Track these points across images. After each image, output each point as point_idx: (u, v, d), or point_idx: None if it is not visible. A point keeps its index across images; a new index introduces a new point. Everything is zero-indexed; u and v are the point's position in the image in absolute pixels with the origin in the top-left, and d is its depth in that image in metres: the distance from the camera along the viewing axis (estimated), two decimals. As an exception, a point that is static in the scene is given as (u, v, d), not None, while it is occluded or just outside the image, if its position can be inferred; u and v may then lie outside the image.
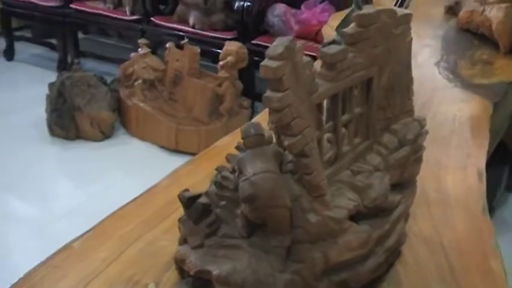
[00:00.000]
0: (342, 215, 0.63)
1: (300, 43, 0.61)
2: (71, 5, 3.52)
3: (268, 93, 0.57)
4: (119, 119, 3.04)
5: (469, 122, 1.19)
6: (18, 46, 3.98)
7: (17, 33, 4.01)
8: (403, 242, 0.76)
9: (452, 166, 1.02)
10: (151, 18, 3.32)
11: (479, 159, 1.04)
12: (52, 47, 3.82)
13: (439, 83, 1.41)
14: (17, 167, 2.65)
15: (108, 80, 3.12)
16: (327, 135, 0.70)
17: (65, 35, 3.61)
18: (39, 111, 2.93)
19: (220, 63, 2.73)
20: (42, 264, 0.76)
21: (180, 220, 0.69)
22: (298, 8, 3.00)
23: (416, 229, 0.84)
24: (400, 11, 0.73)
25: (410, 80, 0.77)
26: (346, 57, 0.66)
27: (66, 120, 2.82)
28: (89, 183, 2.56)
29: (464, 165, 1.02)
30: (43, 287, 0.72)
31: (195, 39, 3.03)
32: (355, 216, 0.68)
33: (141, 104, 2.87)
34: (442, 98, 1.31)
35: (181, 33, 3.13)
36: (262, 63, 0.56)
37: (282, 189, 0.59)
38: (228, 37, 2.96)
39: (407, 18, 0.74)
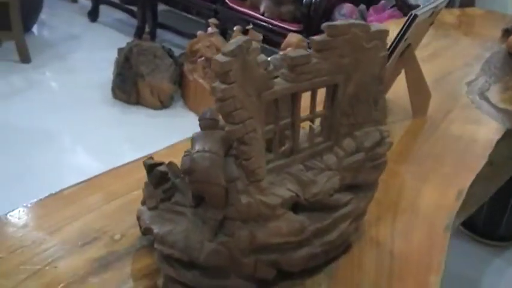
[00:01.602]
0: (275, 202, 0.70)
1: (257, 44, 0.68)
2: (155, -24, 3.70)
3: (215, 83, 0.65)
4: (180, 92, 3.18)
5: (472, 144, 1.21)
6: (103, 9, 4.22)
7: (104, -3, 4.24)
8: (347, 240, 0.82)
9: (436, 182, 1.05)
10: (226, 0, 3.43)
11: (466, 180, 1.07)
12: (133, 14, 4.03)
13: (462, 102, 1.42)
14: (79, 123, 2.85)
15: (178, 53, 3.28)
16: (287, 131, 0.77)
17: (144, 4, 3.79)
18: (108, 74, 3.12)
19: (280, 52, 2.79)
20: (35, 203, 0.88)
21: (144, 184, 0.79)
22: (367, 10, 3.02)
23: (373, 233, 0.89)
24: (375, 27, 0.78)
25: (379, 93, 0.82)
26: (308, 61, 0.73)
27: (128, 85, 3.00)
28: (142, 147, 2.72)
29: (448, 183, 1.05)
30: (30, 219, 0.84)
31: (262, 26, 3.12)
32: (297, 208, 0.75)
33: (201, 80, 2.99)
34: (457, 116, 1.33)
35: (251, 18, 3.23)
36: (214, 57, 0.64)
37: (217, 169, 0.66)
38: (293, 29, 3.03)
39: (381, 34, 0.79)
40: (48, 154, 2.58)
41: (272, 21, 3.17)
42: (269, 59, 0.71)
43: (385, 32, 0.79)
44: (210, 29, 3.09)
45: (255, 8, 3.29)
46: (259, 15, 3.23)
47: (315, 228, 0.75)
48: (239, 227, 0.69)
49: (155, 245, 0.71)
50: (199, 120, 0.71)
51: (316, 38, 0.75)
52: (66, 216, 0.85)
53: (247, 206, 0.68)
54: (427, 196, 1.02)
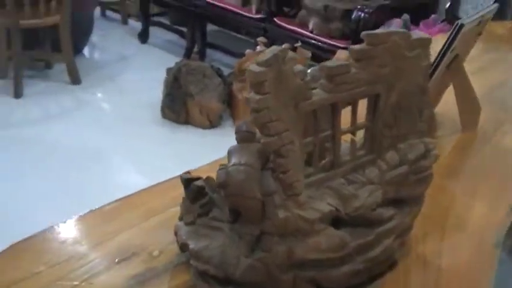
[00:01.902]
0: (314, 216, 0.68)
1: (294, 54, 0.67)
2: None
3: (250, 94, 0.63)
4: (228, 111, 3.20)
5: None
6: (153, 30, 4.31)
7: (154, 19, 4.34)
8: (392, 257, 0.78)
9: (486, 197, 1.00)
10: (274, 19, 3.45)
11: (520, 196, 1.01)
12: (182, 35, 4.10)
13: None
14: (129, 143, 2.90)
15: (227, 72, 3.30)
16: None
17: (194, 25, 3.86)
18: (157, 94, 3.17)
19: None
20: (75, 219, 0.88)
21: (182, 199, 0.78)
22: (417, 25, 2.96)
23: (420, 249, 0.85)
24: (416, 35, 0.75)
25: (424, 103, 0.78)
26: (347, 71, 0.71)
27: (177, 105, 3.03)
28: (190, 165, 2.74)
29: (499, 198, 1.00)
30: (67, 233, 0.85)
31: (310, 44, 3.11)
32: (338, 223, 0.72)
33: (249, 99, 2.99)
34: (508, 130, 1.28)
35: (299, 36, 3.23)
36: (249, 67, 0.63)
37: (252, 182, 0.65)
38: (342, 45, 3.00)
39: (423, 42, 0.76)
40: (98, 172, 2.64)
41: (321, 38, 3.16)
42: (308, 70, 0.69)
43: (427, 40, 0.76)
44: (258, 48, 3.10)
45: (304, 26, 3.29)
46: (307, 33, 3.23)
47: (356, 244, 0.72)
48: (276, 242, 0.67)
49: (191, 261, 0.70)
50: (235, 133, 0.70)
51: (355, 47, 0.72)
52: (105, 232, 0.85)
53: (284, 221, 0.66)
54: (476, 211, 0.97)
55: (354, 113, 0.76)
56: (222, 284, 0.69)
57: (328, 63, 0.71)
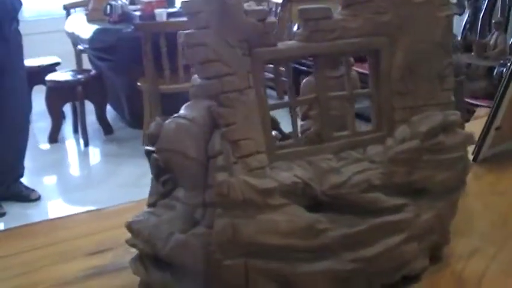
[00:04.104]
0: (268, 186, 0.53)
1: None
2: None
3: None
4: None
5: None
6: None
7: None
8: (405, 266, 0.59)
9: None
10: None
11: None
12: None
13: None
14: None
15: None
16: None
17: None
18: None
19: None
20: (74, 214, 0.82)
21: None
22: None
23: (460, 267, 0.64)
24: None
25: (445, 67, 0.61)
26: (327, 16, 0.57)
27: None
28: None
29: None
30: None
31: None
32: (320, 208, 0.56)
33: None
34: None
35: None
36: (185, -1, 0.53)
37: (186, 136, 0.53)
38: (485, 104, 2.72)
39: (438, -15, 0.60)
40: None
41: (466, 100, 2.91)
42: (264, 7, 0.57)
43: (444, -17, 0.60)
44: None
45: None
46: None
47: (340, 234, 0.55)
48: (220, 215, 0.53)
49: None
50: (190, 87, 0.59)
51: (343, -11, 0.59)
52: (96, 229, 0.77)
53: (224, 186, 0.52)
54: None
55: (348, 73, 0.61)
56: (160, 268, 0.56)
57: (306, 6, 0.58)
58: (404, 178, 0.59)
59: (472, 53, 2.98)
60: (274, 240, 0.53)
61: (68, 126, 4.36)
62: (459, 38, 3.16)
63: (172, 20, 3.62)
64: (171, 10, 4.00)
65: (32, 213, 2.57)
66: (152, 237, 0.55)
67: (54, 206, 2.58)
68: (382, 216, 0.57)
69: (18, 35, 2.53)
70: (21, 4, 2.56)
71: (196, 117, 0.54)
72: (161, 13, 3.73)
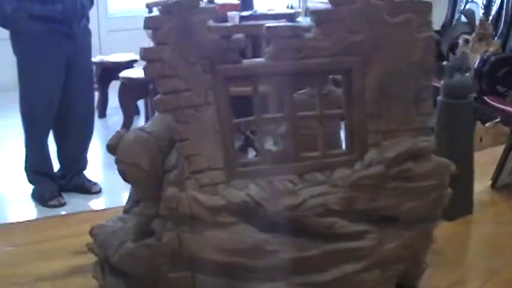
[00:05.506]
0: (215, 203, 0.53)
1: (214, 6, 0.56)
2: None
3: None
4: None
5: None
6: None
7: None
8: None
9: None
10: (485, 97, 3.13)
11: None
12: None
13: None
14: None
15: None
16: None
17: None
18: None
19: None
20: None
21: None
22: None
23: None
24: (404, -5, 0.57)
25: (422, 90, 0.58)
26: (296, 34, 0.57)
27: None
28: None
29: None
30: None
31: None
32: (275, 229, 0.56)
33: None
34: None
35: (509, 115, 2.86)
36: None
37: (142, 149, 0.54)
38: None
39: (416, 6, 0.57)
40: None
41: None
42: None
43: (423, 4, 0.58)
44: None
45: (515, 104, 2.91)
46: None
47: (290, 257, 0.55)
48: (169, 229, 0.54)
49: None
50: (158, 101, 0.60)
51: (317, 7, 0.58)
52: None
53: (174, 202, 0.53)
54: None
55: (319, 93, 0.60)
56: (116, 275, 0.57)
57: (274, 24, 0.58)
58: (367, 204, 0.57)
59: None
60: (218, 257, 0.53)
61: (141, 122, 4.50)
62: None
63: (242, 23, 3.65)
64: (245, 13, 4.04)
65: (91, 206, 2.67)
66: (106, 243, 0.56)
67: (114, 199, 2.67)
68: (339, 242, 0.56)
69: (87, 33, 2.65)
70: (92, 3, 2.68)
71: (156, 131, 0.56)
72: (233, 16, 3.78)
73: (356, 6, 0.57)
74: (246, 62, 0.57)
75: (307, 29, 0.58)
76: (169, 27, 0.53)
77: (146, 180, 0.54)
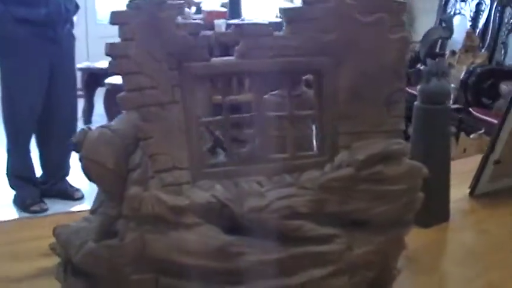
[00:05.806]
0: (179, 203, 0.52)
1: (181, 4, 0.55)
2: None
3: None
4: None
5: None
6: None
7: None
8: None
9: None
10: (470, 109, 3.15)
11: None
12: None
13: None
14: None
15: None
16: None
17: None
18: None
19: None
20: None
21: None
22: None
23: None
24: (377, -5, 0.56)
25: (394, 92, 0.58)
26: (267, 33, 0.56)
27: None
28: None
29: None
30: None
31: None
32: (240, 230, 0.54)
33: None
34: None
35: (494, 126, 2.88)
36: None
37: (107, 146, 0.52)
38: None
39: (390, 6, 0.56)
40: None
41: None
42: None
43: (396, 4, 0.57)
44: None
45: (500, 116, 2.92)
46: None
47: (257, 260, 0.53)
48: (132, 229, 0.52)
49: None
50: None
51: (287, 5, 0.57)
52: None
53: (137, 201, 0.52)
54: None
55: (290, 94, 0.59)
56: (77, 275, 0.56)
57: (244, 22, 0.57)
58: (337, 207, 0.56)
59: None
60: (183, 259, 0.52)
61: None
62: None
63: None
64: (232, 21, 4.04)
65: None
66: (68, 243, 0.55)
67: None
68: (307, 246, 0.55)
69: (71, 38, 2.63)
70: (77, 7, 2.66)
71: (121, 129, 0.54)
72: (220, 24, 3.78)
73: (330, 5, 0.56)
74: (214, 60, 0.56)
75: (277, 27, 0.57)
76: (136, 23, 0.52)
77: (110, 179, 0.53)
